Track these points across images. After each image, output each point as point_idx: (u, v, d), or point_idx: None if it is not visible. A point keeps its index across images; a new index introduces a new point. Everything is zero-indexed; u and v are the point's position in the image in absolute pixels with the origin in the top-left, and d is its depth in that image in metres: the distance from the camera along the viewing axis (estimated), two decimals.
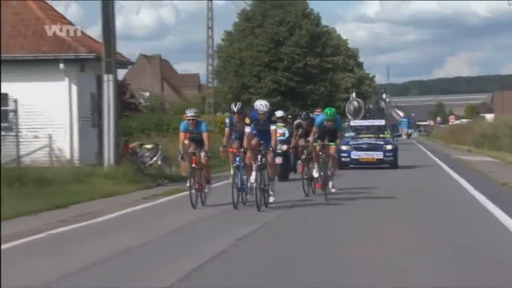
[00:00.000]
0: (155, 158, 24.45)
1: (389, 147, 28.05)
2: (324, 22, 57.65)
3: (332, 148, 15.87)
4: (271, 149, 14.35)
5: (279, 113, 20.59)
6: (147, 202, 16.38)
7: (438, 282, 7.74)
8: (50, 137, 22.91)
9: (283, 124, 21.08)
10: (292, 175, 21.16)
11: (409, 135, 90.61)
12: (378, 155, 27.72)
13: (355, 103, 54.28)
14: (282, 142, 20.34)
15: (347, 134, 29.14)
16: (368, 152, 27.80)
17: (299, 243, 10.44)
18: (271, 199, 14.50)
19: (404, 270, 8.34)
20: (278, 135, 19.10)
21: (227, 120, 15.30)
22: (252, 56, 54.11)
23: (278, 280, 7.90)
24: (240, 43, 55.06)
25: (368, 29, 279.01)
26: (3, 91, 22.56)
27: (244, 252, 9.74)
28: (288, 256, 9.36)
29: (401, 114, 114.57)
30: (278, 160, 19.98)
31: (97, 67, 22.80)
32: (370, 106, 59.29)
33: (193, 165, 14.73)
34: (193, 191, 14.65)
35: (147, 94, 59.50)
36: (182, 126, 15.03)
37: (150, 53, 73.68)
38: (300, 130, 17.32)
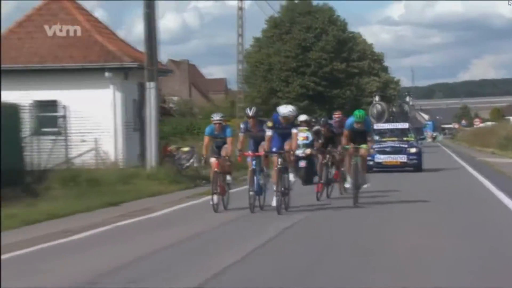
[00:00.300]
0: (191, 160, 25.89)
1: (413, 150, 27.85)
2: (349, 25, 58.76)
3: (362, 150, 15.68)
4: (291, 152, 14.23)
5: (303, 117, 20.72)
6: (191, 201, 17.66)
7: (462, 283, 7.83)
8: (96, 141, 24.57)
9: (306, 128, 20.55)
10: (316, 179, 20.88)
11: (434, 138, 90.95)
12: (402, 158, 27.55)
13: (378, 107, 54.92)
14: (306, 145, 20.15)
15: None
16: (391, 155, 27.55)
17: (320, 247, 10.44)
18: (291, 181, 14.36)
19: (427, 271, 8.42)
20: (302, 138, 19.55)
21: (242, 125, 14.91)
22: (280, 61, 55.27)
23: (301, 283, 8.00)
24: (269, 49, 56.24)
25: (392, 32, 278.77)
26: (53, 98, 24.48)
27: (267, 255, 9.85)
28: (309, 259, 9.39)
29: (426, 117, 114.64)
30: (302, 163, 20.03)
31: (139, 74, 24.38)
32: (394, 109, 60.07)
33: (216, 169, 14.70)
34: (215, 195, 14.58)
35: (176, 98, 60.76)
36: (207, 130, 14.97)
37: (176, 57, 74.72)
38: (321, 138, 17.41)
